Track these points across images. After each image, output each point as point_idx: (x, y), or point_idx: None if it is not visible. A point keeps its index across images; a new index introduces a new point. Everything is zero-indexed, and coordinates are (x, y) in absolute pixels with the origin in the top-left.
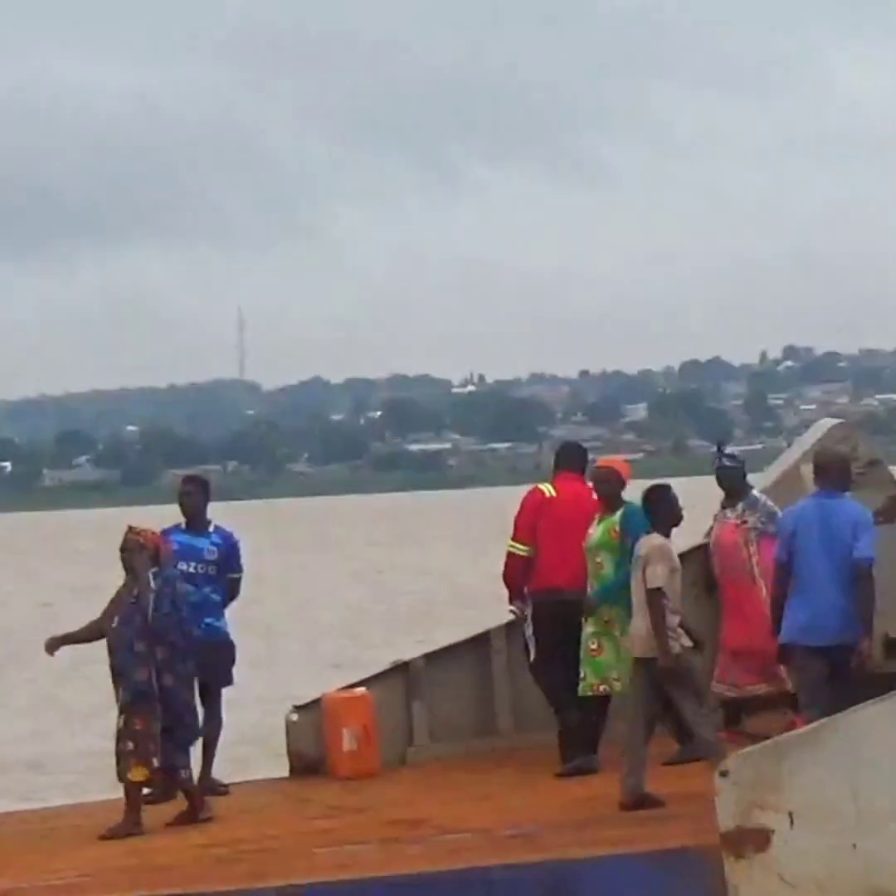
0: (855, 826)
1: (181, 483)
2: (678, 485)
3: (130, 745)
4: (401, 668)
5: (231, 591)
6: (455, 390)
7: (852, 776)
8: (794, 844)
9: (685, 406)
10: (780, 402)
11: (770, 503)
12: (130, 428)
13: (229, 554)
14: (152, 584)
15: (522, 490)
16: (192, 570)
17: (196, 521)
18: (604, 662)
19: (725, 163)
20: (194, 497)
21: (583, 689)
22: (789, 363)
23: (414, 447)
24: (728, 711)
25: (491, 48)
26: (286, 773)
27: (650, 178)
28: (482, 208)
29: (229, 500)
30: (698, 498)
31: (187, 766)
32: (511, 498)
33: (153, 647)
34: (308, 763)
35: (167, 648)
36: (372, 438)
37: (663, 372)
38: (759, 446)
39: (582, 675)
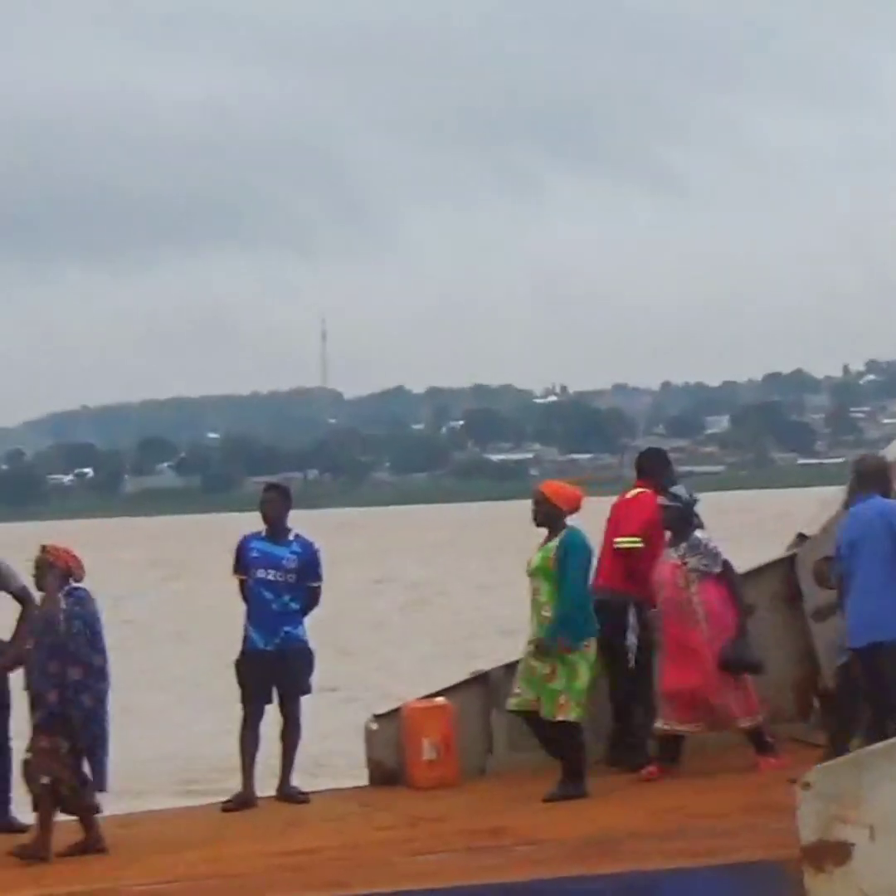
0: None
1: (263, 491)
2: (759, 497)
3: (30, 760)
4: (480, 678)
5: (311, 600)
6: (537, 400)
7: None
8: (874, 858)
9: (767, 418)
10: (862, 415)
11: (712, 544)
12: (212, 435)
13: (309, 562)
14: (63, 603)
15: (603, 500)
16: (271, 577)
17: (276, 530)
18: (556, 688)
19: (805, 175)
20: (275, 505)
21: (516, 704)
22: (872, 376)
23: (495, 457)
24: (664, 748)
25: (569, 54)
26: (366, 782)
27: (729, 190)
28: (559, 216)
29: (311, 507)
30: (781, 510)
31: (99, 789)
32: (591, 507)
33: (66, 667)
34: (387, 772)
35: (81, 669)
36: (453, 447)
37: (746, 384)
38: (841, 459)
39: (517, 689)
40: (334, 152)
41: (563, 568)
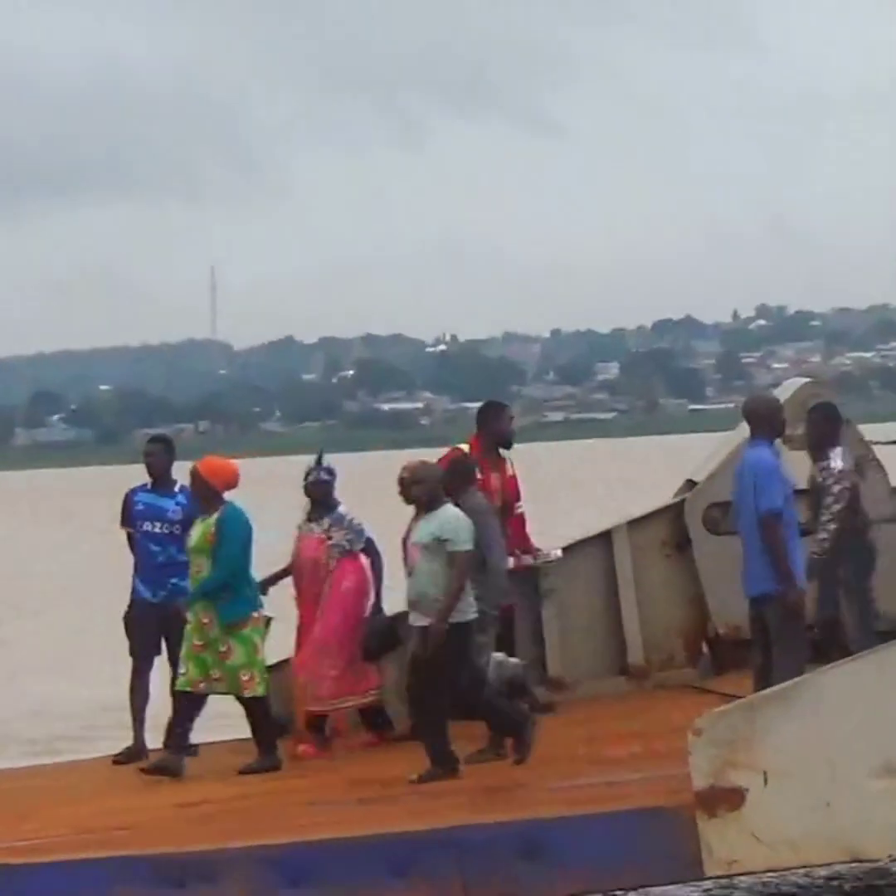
0: (828, 785)
1: (147, 443)
2: (649, 443)
3: None
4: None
5: None
6: (428, 350)
7: (825, 735)
8: (767, 803)
9: (657, 365)
10: (752, 360)
11: (356, 520)
12: (103, 388)
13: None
14: None
15: None
16: (156, 530)
17: (161, 481)
18: (236, 665)
19: (692, 121)
20: (159, 457)
21: (182, 684)
22: (762, 322)
23: (386, 406)
24: (312, 724)
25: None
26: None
27: (619, 137)
28: (450, 166)
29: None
30: (671, 457)
31: None
32: None
33: None
34: (279, 723)
35: None
36: (344, 398)
37: (636, 331)
38: (731, 405)
39: (183, 669)
40: (225, 102)
41: (218, 544)
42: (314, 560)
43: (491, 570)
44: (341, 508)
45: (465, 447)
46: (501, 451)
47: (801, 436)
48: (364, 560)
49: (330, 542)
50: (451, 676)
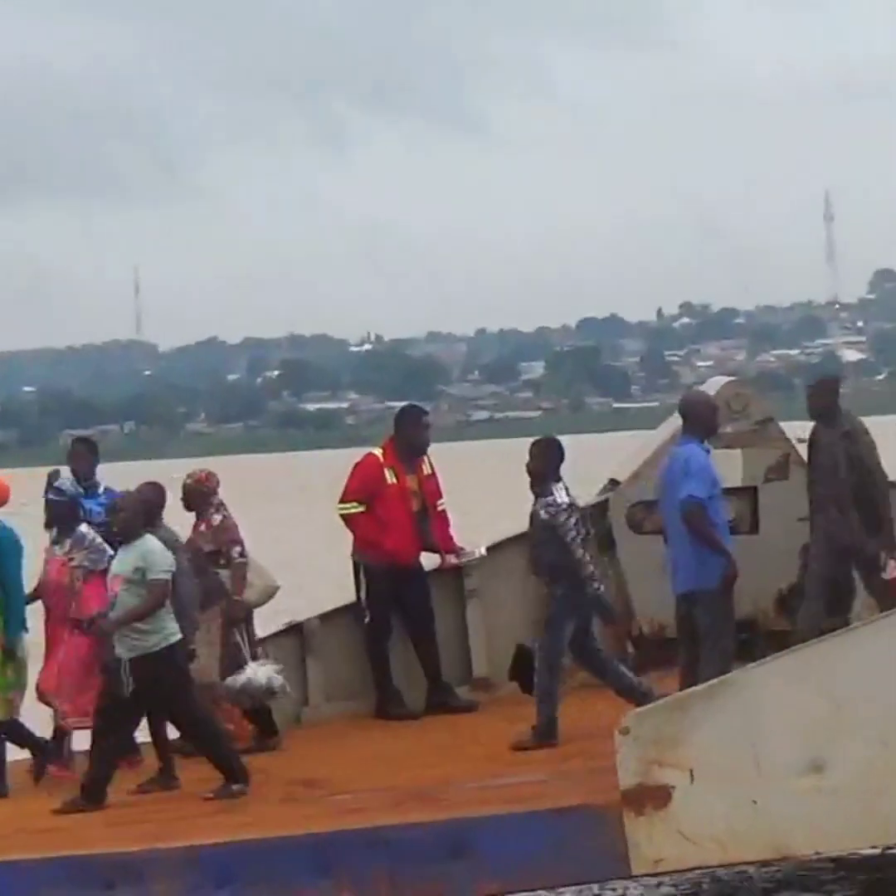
0: (755, 782)
1: (71, 444)
2: (575, 442)
3: None
4: (295, 628)
5: None
6: (352, 349)
7: (751, 732)
8: (694, 801)
9: (583, 363)
10: (677, 358)
11: (99, 540)
12: (27, 389)
13: None
14: None
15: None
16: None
17: (85, 483)
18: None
19: (614, 119)
20: (83, 458)
21: None
22: (686, 320)
23: (311, 406)
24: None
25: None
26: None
27: (542, 135)
28: (371, 165)
29: (127, 460)
30: (594, 456)
31: None
32: None
33: None
34: None
35: None
36: (269, 398)
37: (560, 329)
38: (656, 403)
39: None
40: (146, 104)
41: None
42: (58, 582)
43: (183, 597)
44: (82, 528)
45: (378, 451)
46: (419, 455)
47: (728, 434)
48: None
49: (72, 564)
50: (183, 695)
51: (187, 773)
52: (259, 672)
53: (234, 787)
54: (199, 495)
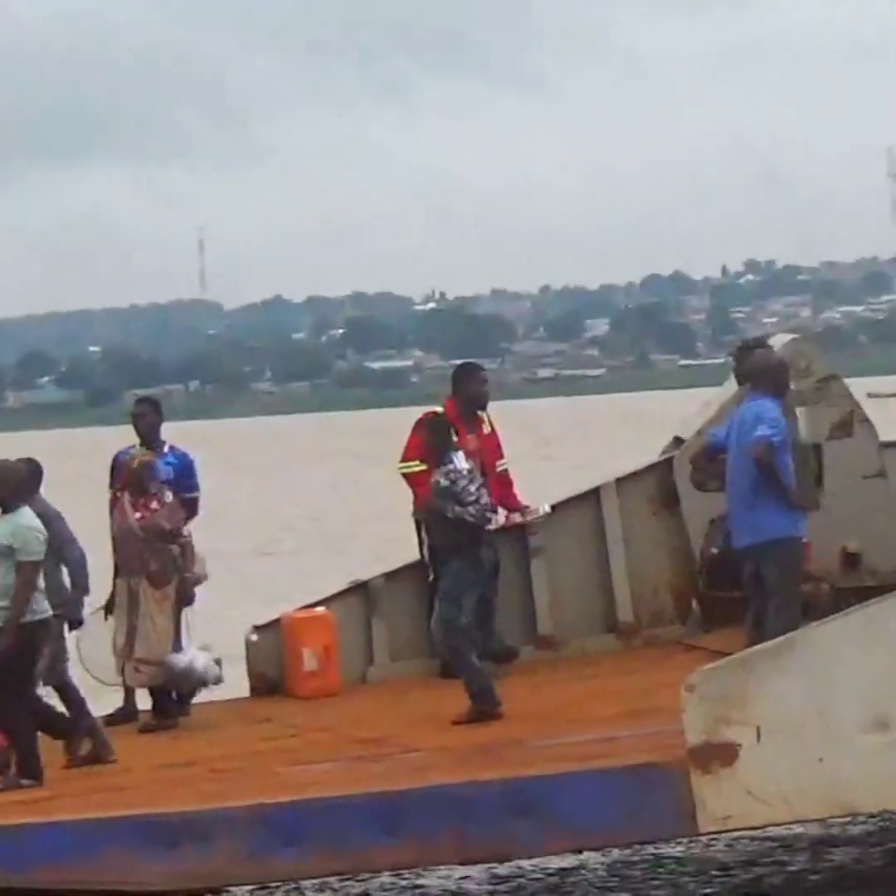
0: (821, 740)
1: (134, 404)
2: (640, 400)
3: None
4: (360, 588)
5: (189, 511)
6: (416, 308)
7: (817, 690)
8: (760, 759)
9: (647, 321)
10: (741, 315)
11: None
12: (93, 349)
13: (184, 474)
14: None
15: (490, 406)
16: None
17: (150, 442)
18: None
19: (678, 75)
20: (147, 418)
21: None
22: (751, 276)
23: (376, 365)
24: None
25: None
26: (247, 694)
27: (605, 94)
28: (435, 122)
29: (192, 419)
30: (660, 412)
31: None
32: None
33: None
34: (268, 683)
35: None
36: (334, 357)
37: (625, 287)
38: (721, 360)
39: None
40: (211, 62)
41: None
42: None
43: (72, 564)
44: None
45: (440, 410)
46: (479, 411)
47: (791, 392)
48: None
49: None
50: (23, 678)
51: (252, 733)
52: (199, 659)
53: (24, 781)
54: (149, 472)
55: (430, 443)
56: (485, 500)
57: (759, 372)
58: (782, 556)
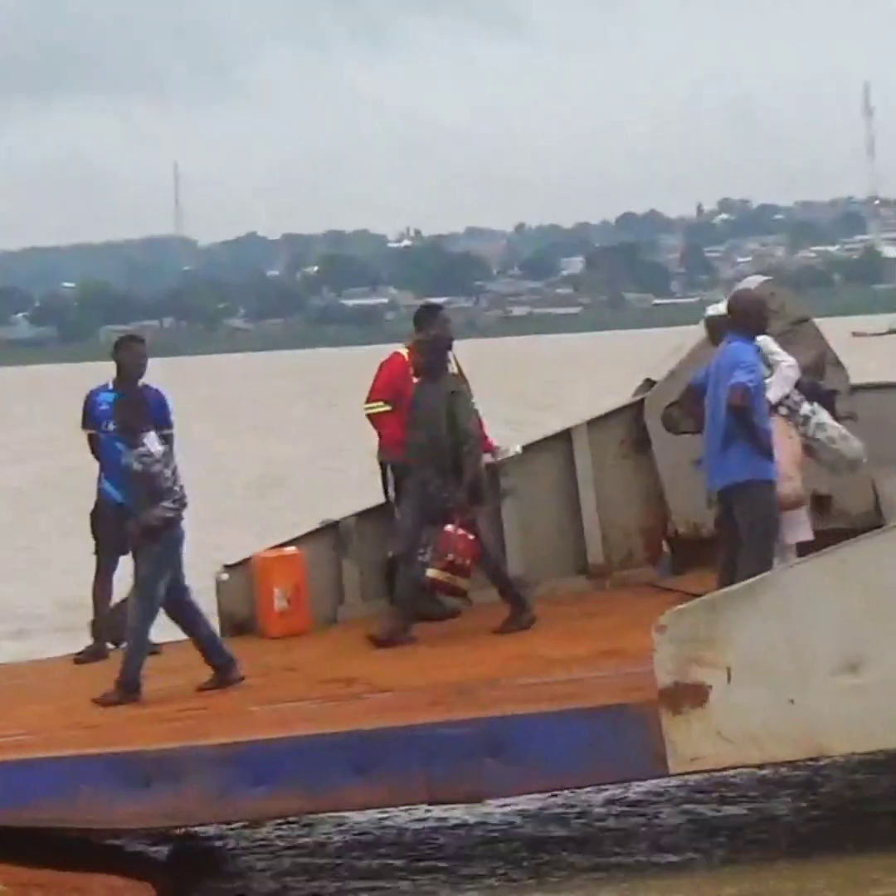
0: (792, 682)
1: (129, 341)
2: (615, 338)
3: None
4: (331, 527)
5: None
6: (391, 245)
7: (788, 632)
8: (731, 700)
9: (621, 259)
10: (716, 254)
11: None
12: (67, 285)
13: (159, 410)
14: None
15: (463, 343)
16: None
17: (135, 380)
18: None
19: (652, 11)
20: (138, 355)
21: None
22: (725, 215)
23: (350, 302)
24: None
25: None
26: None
27: (577, 31)
28: (411, 61)
29: (167, 355)
30: (634, 352)
31: None
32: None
33: None
34: (239, 623)
35: None
36: (309, 294)
37: (600, 225)
38: (696, 299)
39: None
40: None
41: None
42: None
43: None
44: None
45: (404, 351)
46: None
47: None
48: None
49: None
50: None
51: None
52: None
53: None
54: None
55: (123, 420)
56: (180, 485)
57: (737, 312)
58: (752, 499)
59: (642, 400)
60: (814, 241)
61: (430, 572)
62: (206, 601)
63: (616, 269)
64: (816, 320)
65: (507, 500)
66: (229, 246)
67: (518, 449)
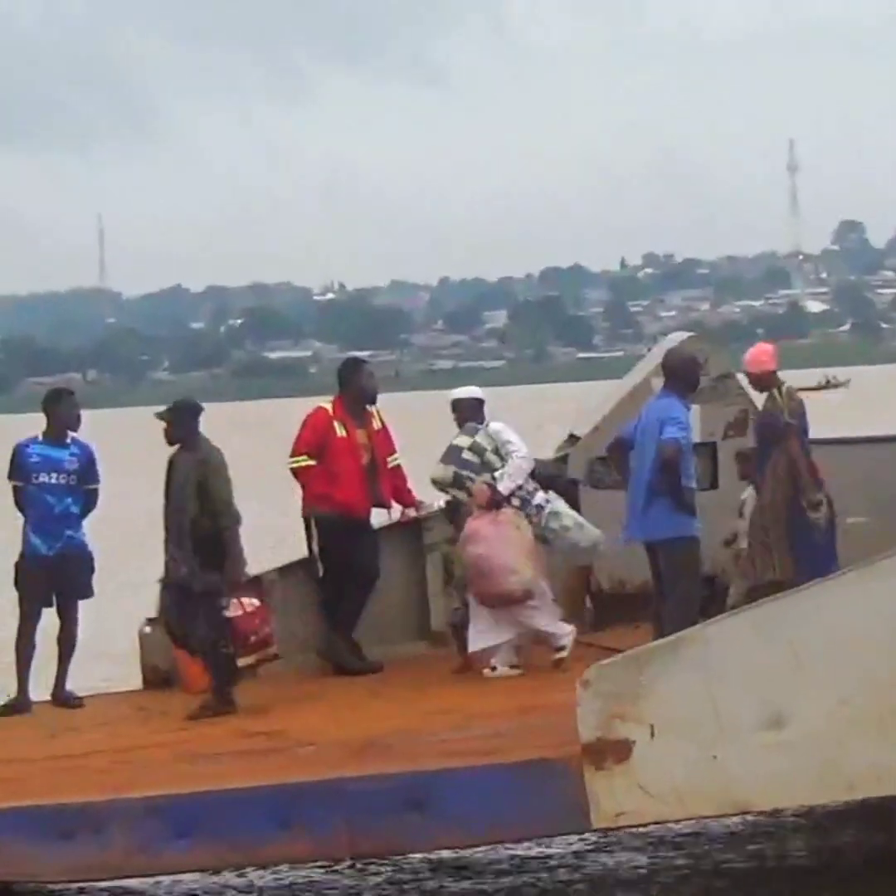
0: (715, 737)
1: (56, 394)
2: (537, 392)
3: None
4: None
5: (90, 502)
6: (315, 298)
7: (712, 687)
8: (654, 755)
9: (545, 313)
10: (640, 308)
11: None
12: None
13: (88, 464)
14: None
15: (387, 397)
16: (53, 480)
17: (58, 433)
18: None
19: (577, 68)
20: (73, 409)
21: None
22: (649, 270)
23: (274, 355)
24: None
25: None
26: (140, 686)
27: (504, 85)
28: (333, 114)
29: (90, 408)
30: (560, 404)
31: None
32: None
33: None
34: (162, 676)
35: None
36: (232, 346)
37: (524, 279)
38: (620, 353)
39: None
40: (110, 52)
41: None
42: None
43: None
44: None
45: (328, 405)
46: (368, 406)
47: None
48: None
49: None
50: None
51: (145, 726)
52: None
53: None
54: None
55: None
56: None
57: (669, 370)
58: (674, 556)
59: (566, 455)
60: (738, 296)
61: (241, 663)
62: (129, 655)
63: (540, 323)
64: (742, 376)
65: (431, 555)
66: (153, 298)
67: (441, 504)
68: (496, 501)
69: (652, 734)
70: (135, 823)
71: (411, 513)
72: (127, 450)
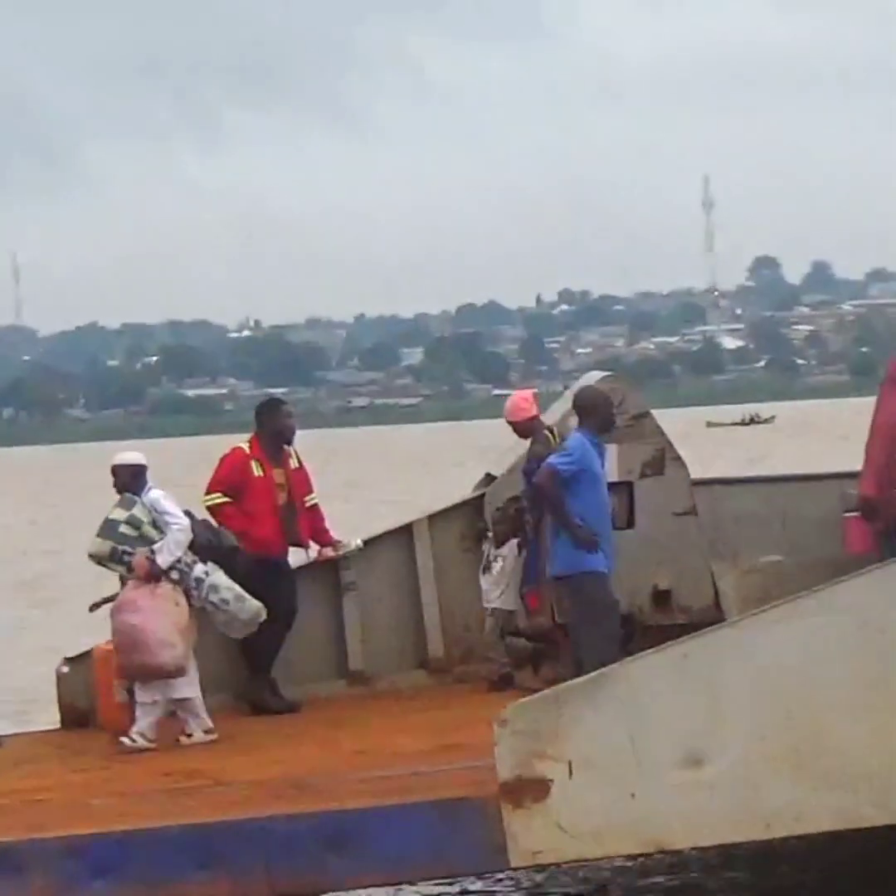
0: (633, 776)
1: None
2: (453, 429)
3: None
4: None
5: None
6: (231, 335)
7: (630, 726)
8: (572, 794)
9: (461, 350)
10: (556, 345)
11: None
12: None
13: None
14: None
15: (304, 434)
16: None
17: None
18: None
19: (487, 108)
20: None
21: None
22: (565, 306)
23: (191, 392)
24: None
25: None
26: (58, 726)
27: (414, 124)
28: (248, 154)
29: (6, 446)
30: (474, 442)
31: None
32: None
33: None
34: (79, 715)
35: None
36: (149, 384)
37: (439, 315)
38: (535, 390)
39: None
40: (20, 90)
41: None
42: None
43: None
44: None
45: (245, 444)
46: (285, 445)
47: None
48: None
49: None
50: None
51: (64, 766)
52: None
53: None
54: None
55: None
56: None
57: (581, 409)
58: (577, 593)
59: (483, 495)
60: (653, 333)
61: None
62: (46, 693)
63: (456, 360)
64: (659, 412)
65: (348, 595)
66: (69, 336)
67: (359, 543)
68: (155, 575)
69: (570, 773)
70: (53, 864)
71: (329, 552)
72: (42, 489)
